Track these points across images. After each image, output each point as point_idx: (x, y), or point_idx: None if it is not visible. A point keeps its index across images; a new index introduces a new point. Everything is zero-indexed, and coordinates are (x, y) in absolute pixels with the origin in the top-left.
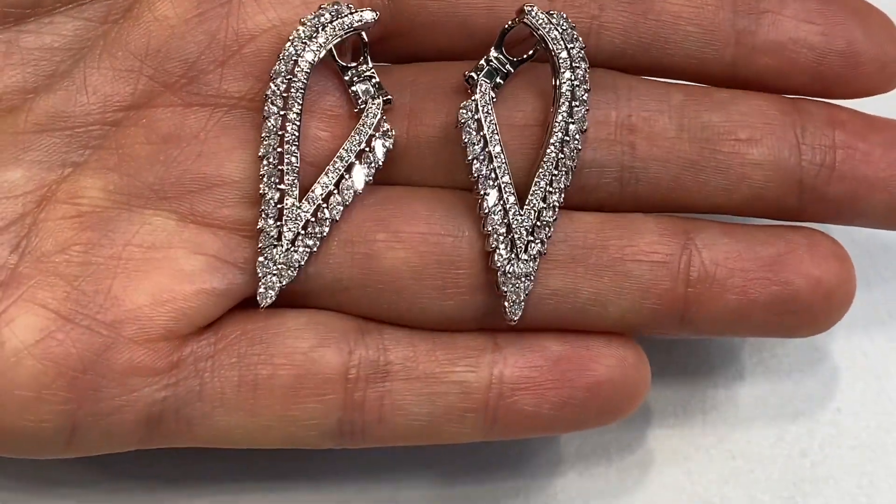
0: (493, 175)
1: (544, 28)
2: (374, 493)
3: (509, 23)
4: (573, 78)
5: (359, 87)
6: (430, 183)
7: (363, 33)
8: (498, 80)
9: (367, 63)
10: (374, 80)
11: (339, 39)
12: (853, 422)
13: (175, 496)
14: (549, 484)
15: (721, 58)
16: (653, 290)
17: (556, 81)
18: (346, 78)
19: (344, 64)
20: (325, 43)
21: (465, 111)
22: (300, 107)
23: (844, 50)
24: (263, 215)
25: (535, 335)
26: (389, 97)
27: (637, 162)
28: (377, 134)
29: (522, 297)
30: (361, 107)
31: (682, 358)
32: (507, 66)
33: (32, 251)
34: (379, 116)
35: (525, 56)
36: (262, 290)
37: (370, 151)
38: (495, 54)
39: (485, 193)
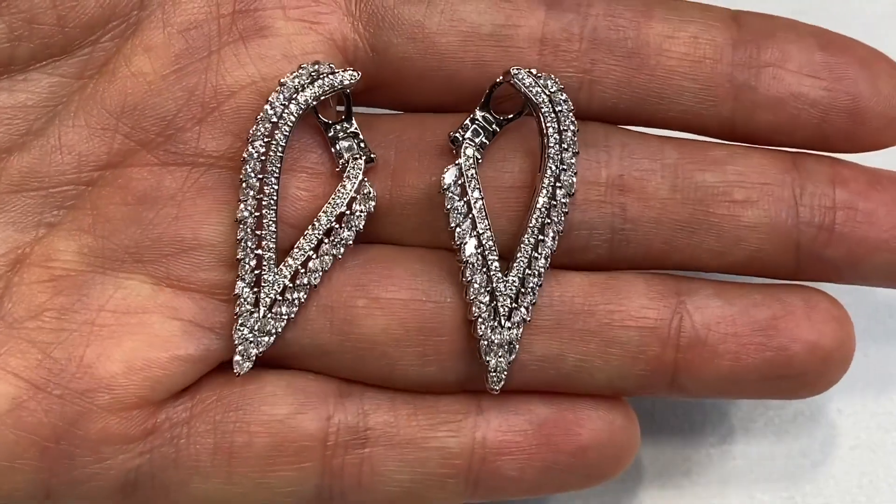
0: (476, 243)
1: (531, 90)
2: None
3: (496, 81)
4: (561, 141)
5: (342, 145)
6: (413, 243)
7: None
8: (483, 139)
9: (351, 120)
10: (357, 138)
11: (319, 100)
12: (853, 422)
13: None
14: None
15: (719, 113)
16: (641, 356)
17: (543, 144)
18: (330, 135)
19: (326, 121)
20: (304, 105)
21: (448, 176)
22: (279, 169)
23: (849, 106)
24: (240, 281)
25: (520, 396)
26: (373, 156)
27: (628, 224)
28: (358, 196)
29: (505, 367)
30: (343, 165)
31: None
32: (494, 125)
33: (5, 316)
34: (360, 178)
35: (512, 115)
36: (238, 358)
37: (351, 215)
38: (481, 113)
39: (467, 262)
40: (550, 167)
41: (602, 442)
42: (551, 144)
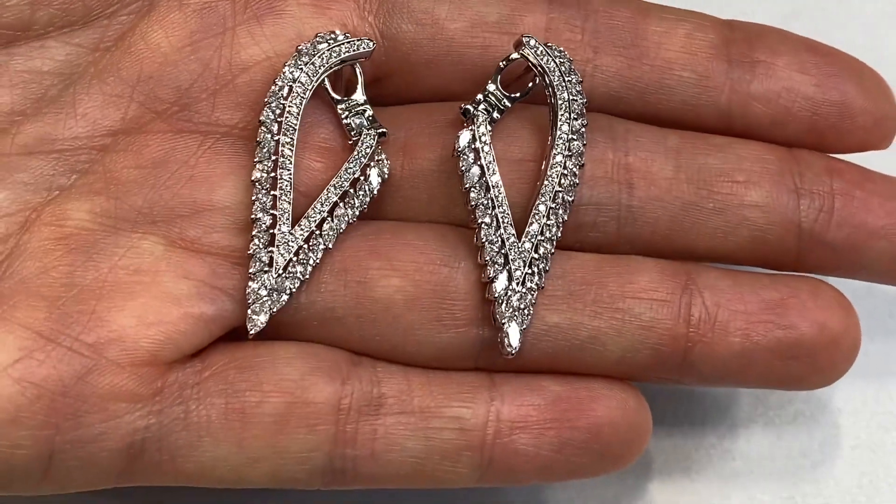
0: (490, 204)
1: (542, 59)
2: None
3: (507, 57)
4: (570, 110)
5: (353, 121)
6: (424, 219)
7: (358, 67)
8: (495, 114)
9: (362, 96)
10: (368, 114)
11: (334, 67)
12: (853, 422)
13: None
14: (549, 484)
15: (716, 105)
16: (653, 329)
17: (553, 113)
18: (341, 110)
19: (338, 97)
20: (321, 68)
21: (462, 139)
22: (294, 132)
23: (838, 101)
24: (255, 240)
25: (533, 375)
26: (384, 130)
27: (634, 201)
28: (372, 163)
29: (520, 330)
30: (355, 139)
31: None
32: (504, 101)
33: (14, 273)
34: (374, 146)
35: (521, 92)
36: (251, 316)
37: (365, 180)
38: (492, 88)
39: (482, 222)
40: (561, 136)
41: (616, 421)
42: (561, 113)
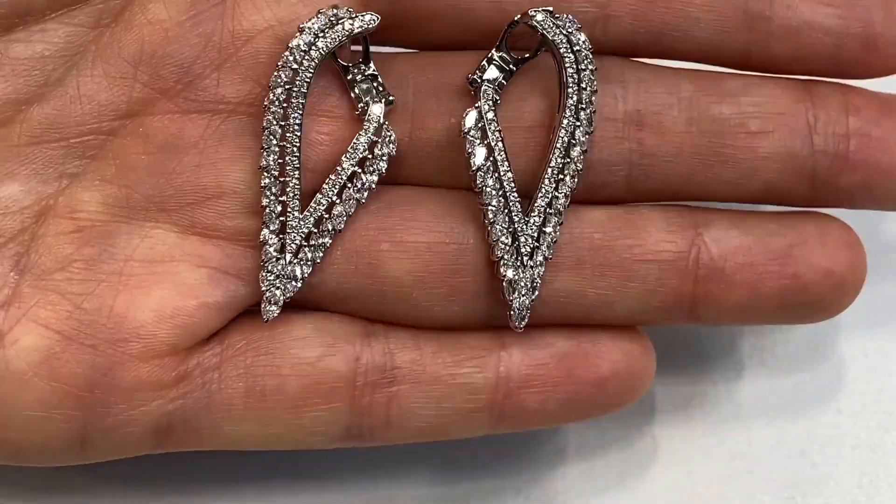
0: (497, 185)
1: (550, 32)
2: (374, 493)
3: (512, 20)
4: (579, 81)
5: (360, 87)
6: (433, 184)
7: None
8: (501, 80)
9: (369, 63)
10: (375, 80)
11: (338, 45)
12: (853, 422)
13: (174, 492)
14: (550, 484)
15: (734, 44)
16: (660, 288)
17: (561, 84)
18: (348, 78)
19: (345, 64)
20: (325, 50)
21: (467, 119)
22: (301, 115)
23: (862, 33)
24: (265, 228)
25: (542, 331)
26: (392, 98)
27: (645, 158)
28: (379, 140)
29: (528, 305)
30: (363, 108)
31: (682, 359)
32: (511, 65)
33: (33, 268)
34: (381, 121)
35: (529, 55)
36: (265, 304)
37: (373, 158)
38: (498, 53)
39: (489, 203)
40: (569, 107)
41: (620, 372)
42: (569, 84)
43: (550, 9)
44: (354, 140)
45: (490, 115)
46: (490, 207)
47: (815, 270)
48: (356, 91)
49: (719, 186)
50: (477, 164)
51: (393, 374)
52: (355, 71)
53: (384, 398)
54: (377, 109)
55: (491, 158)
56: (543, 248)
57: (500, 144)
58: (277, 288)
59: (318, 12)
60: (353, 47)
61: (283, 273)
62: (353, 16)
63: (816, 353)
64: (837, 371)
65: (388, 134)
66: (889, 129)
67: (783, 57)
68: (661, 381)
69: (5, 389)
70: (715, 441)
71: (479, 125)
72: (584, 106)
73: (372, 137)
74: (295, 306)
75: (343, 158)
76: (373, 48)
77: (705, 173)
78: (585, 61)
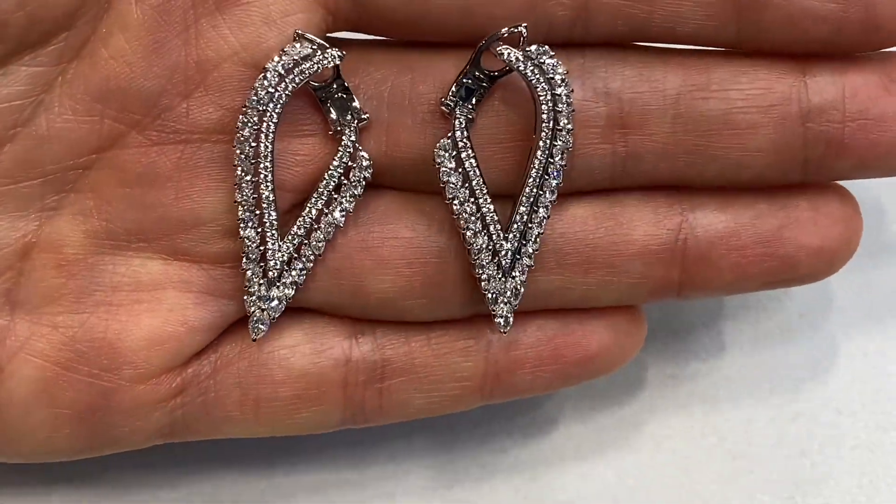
0: (474, 209)
1: (519, 65)
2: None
3: (482, 42)
4: (555, 104)
5: (333, 107)
6: (412, 191)
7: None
8: (476, 97)
9: (342, 82)
10: (348, 97)
11: (303, 83)
12: (853, 422)
13: (170, 475)
14: (549, 484)
15: (724, 35)
16: (646, 280)
17: (537, 110)
18: (320, 97)
19: (317, 84)
20: (290, 91)
21: (441, 151)
22: (271, 153)
23: (862, 17)
24: (245, 259)
25: (528, 315)
26: (365, 116)
27: (629, 159)
28: (354, 165)
29: (512, 310)
30: (337, 129)
31: (682, 359)
32: (485, 82)
33: (24, 303)
34: (355, 146)
35: (502, 69)
36: (252, 326)
37: (349, 184)
38: (472, 72)
39: (466, 228)
40: (544, 129)
41: (608, 346)
42: (544, 111)
43: (525, 28)
44: (330, 166)
45: (463, 140)
46: (468, 232)
47: (804, 250)
48: (329, 109)
49: (706, 180)
50: (452, 193)
51: (383, 370)
52: (328, 90)
53: (376, 392)
54: (351, 133)
55: (467, 185)
56: (524, 260)
57: (476, 170)
58: (263, 310)
59: (282, 51)
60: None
61: (267, 297)
62: (316, 55)
63: (816, 354)
64: (837, 371)
65: (363, 157)
66: (889, 105)
67: (778, 44)
68: (662, 382)
69: (10, 416)
70: (715, 441)
71: (453, 154)
72: (560, 128)
73: (347, 162)
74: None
75: (320, 185)
76: (348, 35)
77: (692, 170)
78: (559, 88)
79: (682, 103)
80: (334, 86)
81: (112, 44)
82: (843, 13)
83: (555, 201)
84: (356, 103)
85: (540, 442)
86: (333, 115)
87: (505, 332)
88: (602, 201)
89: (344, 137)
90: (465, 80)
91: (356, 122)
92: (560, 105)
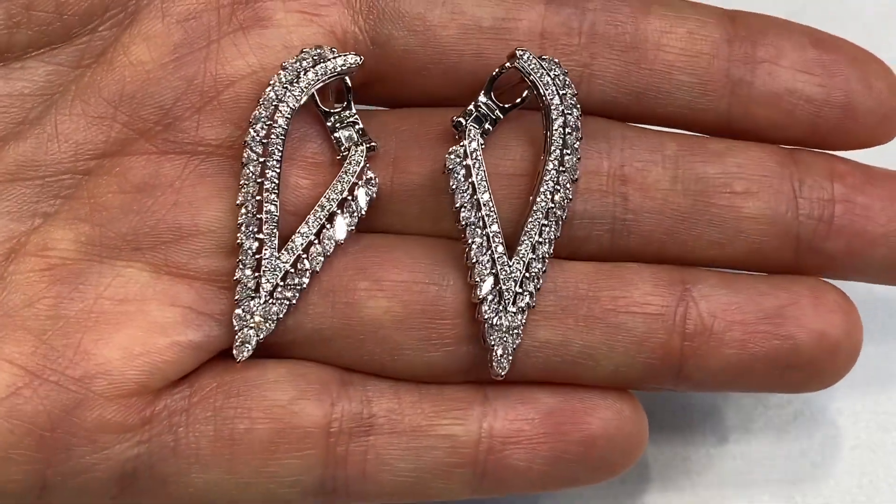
0: (481, 223)
1: (536, 73)
2: None
3: (499, 68)
4: (565, 125)
5: (341, 134)
6: (414, 232)
7: (347, 77)
8: (486, 126)
9: (351, 108)
10: (357, 126)
11: (321, 84)
12: (853, 422)
13: None
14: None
15: (716, 108)
16: (647, 343)
17: (547, 128)
18: (329, 124)
19: (326, 109)
20: (306, 88)
21: (453, 156)
22: (280, 153)
23: (842, 102)
24: (241, 266)
25: (526, 387)
26: (374, 144)
27: (629, 214)
28: (360, 182)
29: (510, 351)
30: (344, 154)
31: None
32: (496, 112)
33: (1, 305)
34: (362, 164)
35: (514, 102)
36: (238, 344)
37: (353, 200)
38: (484, 100)
39: (472, 242)
40: (554, 151)
41: (612, 432)
42: (555, 128)
43: (538, 54)
44: (335, 181)
45: (475, 152)
46: (473, 245)
47: (808, 332)
48: (337, 136)
49: (703, 246)
50: (460, 201)
51: (370, 422)
52: (337, 117)
53: (360, 448)
54: (359, 151)
55: (475, 196)
56: (526, 295)
57: (484, 183)
58: (251, 328)
59: (302, 51)
60: (336, 104)
61: (257, 312)
62: (336, 56)
63: None
64: None
65: (370, 176)
66: (873, 197)
67: (764, 123)
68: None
69: None
70: (715, 441)
71: (464, 162)
72: (569, 152)
73: (353, 179)
74: (269, 352)
75: (323, 199)
76: (356, 106)
77: (689, 232)
78: (571, 106)
79: (680, 164)
80: (344, 113)
81: (132, 52)
82: (824, 96)
83: (559, 234)
84: (364, 131)
85: None
86: (341, 140)
87: (501, 376)
88: (601, 263)
89: (352, 155)
90: (478, 107)
91: (364, 146)
92: (570, 126)
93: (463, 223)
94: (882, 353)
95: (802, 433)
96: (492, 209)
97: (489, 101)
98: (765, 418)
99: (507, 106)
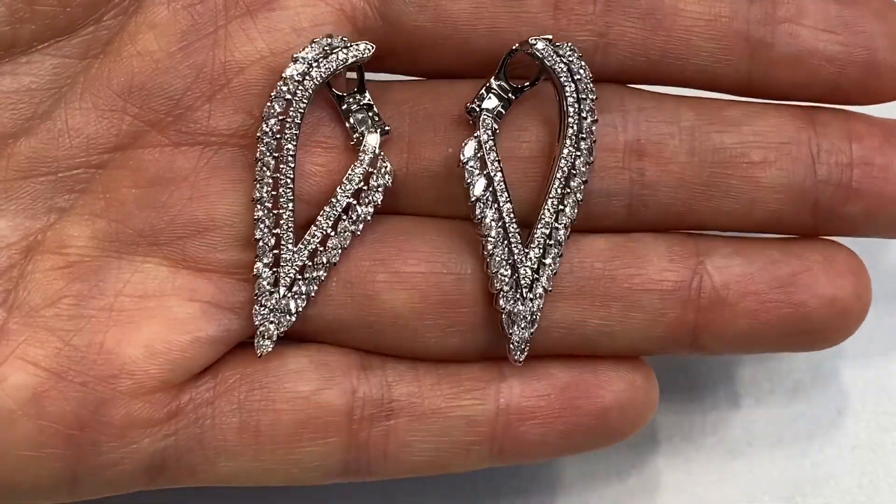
0: (496, 216)
1: (550, 61)
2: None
3: (512, 49)
4: (580, 110)
5: (356, 117)
6: (431, 214)
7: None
8: (500, 108)
9: (364, 92)
10: (371, 110)
11: (333, 74)
12: (853, 422)
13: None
14: (549, 485)
15: (735, 71)
16: (662, 318)
17: (561, 113)
18: (343, 107)
19: (339, 93)
20: (319, 79)
21: (467, 150)
22: (295, 147)
23: (865, 60)
24: (259, 261)
25: (541, 362)
26: (388, 128)
27: (646, 189)
28: (375, 171)
29: (528, 338)
30: (358, 138)
31: (683, 359)
32: (510, 93)
33: (21, 305)
34: (376, 153)
35: (528, 83)
36: (259, 339)
37: (368, 190)
38: (497, 82)
39: (488, 235)
40: (570, 137)
41: (624, 402)
42: (570, 113)
43: (550, 37)
44: (350, 171)
45: (489, 144)
46: (489, 239)
47: (818, 299)
48: (351, 121)
49: (721, 216)
50: (476, 194)
51: (391, 406)
52: (350, 101)
53: (382, 432)
54: (373, 140)
55: (490, 189)
56: (543, 280)
57: (499, 174)
58: (271, 322)
59: (312, 41)
60: (349, 74)
61: (277, 307)
62: (348, 45)
63: (816, 354)
64: (837, 371)
65: (384, 165)
66: (892, 157)
67: (785, 84)
68: (662, 382)
69: None
70: (715, 441)
71: (479, 155)
72: (584, 136)
73: (367, 168)
74: (290, 339)
75: (338, 190)
76: (368, 75)
77: (707, 203)
78: (586, 90)
79: (697, 135)
80: (357, 97)
81: (140, 41)
82: (846, 55)
83: (575, 219)
84: (378, 115)
85: None
86: (355, 124)
87: (520, 363)
88: (618, 237)
89: (366, 144)
90: (491, 89)
91: (378, 132)
92: (585, 111)
93: (478, 217)
94: (882, 354)
95: (802, 433)
96: (507, 199)
97: (502, 83)
98: (765, 418)
99: (520, 86)
